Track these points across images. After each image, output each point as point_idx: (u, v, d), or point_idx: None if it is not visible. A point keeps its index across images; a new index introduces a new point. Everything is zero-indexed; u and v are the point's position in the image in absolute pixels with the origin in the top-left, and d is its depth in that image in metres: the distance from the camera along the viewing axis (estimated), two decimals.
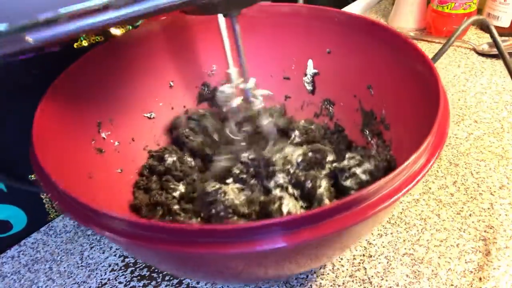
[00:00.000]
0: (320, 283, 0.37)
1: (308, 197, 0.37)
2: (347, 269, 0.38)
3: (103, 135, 0.41)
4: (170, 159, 0.43)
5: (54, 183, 0.26)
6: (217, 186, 0.36)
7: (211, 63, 0.49)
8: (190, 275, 0.35)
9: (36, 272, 0.40)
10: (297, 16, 0.45)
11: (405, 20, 0.75)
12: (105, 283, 0.38)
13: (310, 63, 0.47)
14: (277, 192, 0.37)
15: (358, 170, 0.37)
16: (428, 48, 0.70)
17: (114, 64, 0.42)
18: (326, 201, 0.36)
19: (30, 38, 0.23)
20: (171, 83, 0.47)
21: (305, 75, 0.48)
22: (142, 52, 0.44)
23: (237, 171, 0.39)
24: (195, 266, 0.28)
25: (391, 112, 0.40)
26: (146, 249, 0.26)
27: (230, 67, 0.40)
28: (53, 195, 0.27)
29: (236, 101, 0.40)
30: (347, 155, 0.40)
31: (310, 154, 0.39)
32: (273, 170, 0.39)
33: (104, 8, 0.23)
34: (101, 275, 0.39)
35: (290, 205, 0.35)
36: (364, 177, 0.37)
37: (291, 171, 0.39)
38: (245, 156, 0.40)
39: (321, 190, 0.36)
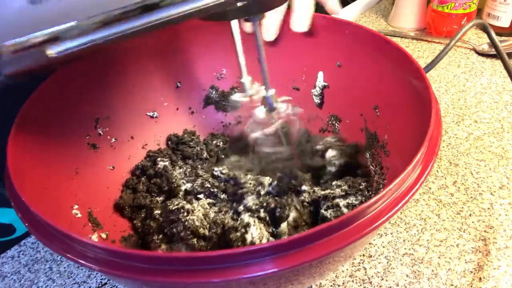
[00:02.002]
0: (320, 283, 0.37)
1: (277, 223, 0.36)
2: (347, 269, 0.38)
3: (99, 131, 0.41)
4: (161, 163, 0.43)
5: (24, 203, 0.25)
6: (181, 204, 0.35)
7: (221, 66, 0.48)
8: None
9: (36, 272, 0.40)
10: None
11: (405, 20, 0.75)
12: (105, 283, 0.38)
13: (320, 75, 0.46)
14: (245, 217, 0.36)
15: (342, 203, 0.36)
16: (428, 48, 0.70)
17: (116, 62, 0.42)
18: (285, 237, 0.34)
19: (51, 51, 0.21)
20: (178, 83, 0.47)
21: (315, 87, 0.46)
22: (148, 50, 0.44)
23: (209, 185, 0.39)
24: None
25: (393, 138, 0.38)
26: (130, 280, 0.24)
27: (244, 76, 0.38)
28: (24, 217, 0.26)
29: (260, 110, 0.38)
30: (334, 182, 0.39)
31: (285, 179, 0.38)
32: (241, 192, 0.38)
33: (117, 19, 0.21)
34: (101, 275, 0.39)
35: (256, 234, 0.34)
36: (346, 211, 0.35)
37: (262, 192, 0.38)
38: (217, 170, 0.40)
39: (283, 225, 0.35)
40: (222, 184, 0.39)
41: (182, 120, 0.48)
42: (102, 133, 0.41)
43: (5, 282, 0.39)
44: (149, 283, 0.24)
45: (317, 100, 0.47)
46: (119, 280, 0.29)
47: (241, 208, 0.37)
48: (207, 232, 0.35)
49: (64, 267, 0.40)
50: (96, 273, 0.39)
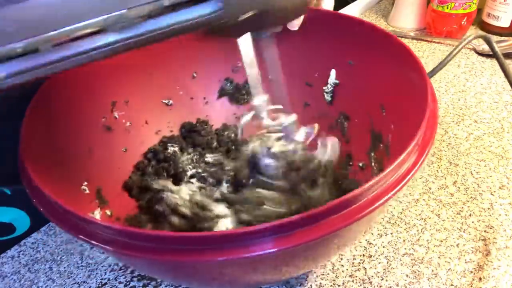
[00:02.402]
0: (320, 283, 0.37)
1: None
2: (347, 269, 0.38)
3: (115, 114, 0.42)
4: (171, 149, 0.44)
5: (37, 187, 0.25)
6: (165, 184, 0.37)
7: (236, 59, 0.48)
8: (184, 283, 0.34)
9: (36, 272, 0.40)
10: (323, 22, 0.44)
11: (405, 20, 0.75)
12: (105, 283, 0.38)
13: (333, 72, 0.46)
14: (220, 208, 0.35)
15: None
16: (428, 48, 0.70)
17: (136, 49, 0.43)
18: None
19: (2, 74, 0.16)
20: (195, 74, 0.48)
21: (326, 84, 0.47)
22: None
23: (200, 170, 0.40)
24: (185, 274, 0.28)
25: (395, 139, 0.38)
26: (137, 259, 0.25)
27: (257, 97, 0.31)
28: (36, 198, 0.26)
29: (274, 141, 0.32)
30: None
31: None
32: (221, 179, 0.38)
33: (101, 30, 0.17)
34: (101, 275, 0.39)
35: (230, 226, 0.33)
36: None
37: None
38: (209, 156, 0.41)
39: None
40: (212, 169, 0.41)
41: (196, 109, 0.50)
42: (117, 117, 0.42)
43: (5, 282, 0.39)
44: (157, 263, 0.25)
45: (328, 97, 0.47)
46: (126, 260, 0.29)
47: (217, 193, 0.38)
48: (188, 212, 0.36)
49: (64, 267, 0.40)
50: (96, 273, 0.39)
